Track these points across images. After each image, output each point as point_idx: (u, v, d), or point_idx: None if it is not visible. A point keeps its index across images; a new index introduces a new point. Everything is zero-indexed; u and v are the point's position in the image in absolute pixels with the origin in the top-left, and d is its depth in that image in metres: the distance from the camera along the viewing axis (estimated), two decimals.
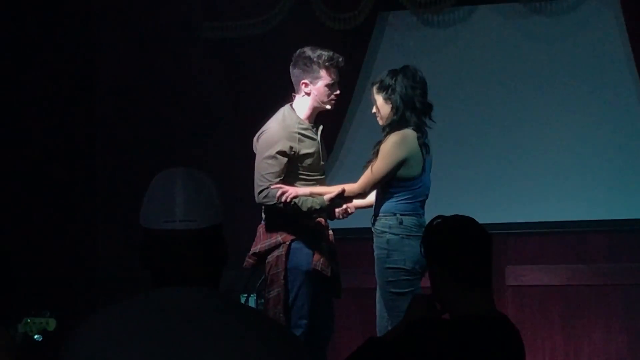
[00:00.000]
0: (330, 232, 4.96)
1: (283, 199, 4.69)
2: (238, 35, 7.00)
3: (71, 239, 6.63)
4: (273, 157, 4.75)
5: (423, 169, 4.82)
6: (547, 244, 6.78)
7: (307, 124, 4.88)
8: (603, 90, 6.70)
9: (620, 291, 6.63)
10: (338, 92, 4.94)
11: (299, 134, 4.83)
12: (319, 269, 4.78)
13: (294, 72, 4.91)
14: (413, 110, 4.80)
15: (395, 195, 4.78)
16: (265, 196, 4.74)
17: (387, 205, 4.78)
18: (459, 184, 6.74)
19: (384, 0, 6.90)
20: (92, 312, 2.01)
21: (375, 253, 4.80)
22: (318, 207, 4.75)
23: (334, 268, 4.88)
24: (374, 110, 4.93)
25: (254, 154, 4.93)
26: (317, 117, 4.97)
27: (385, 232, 4.75)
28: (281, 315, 4.71)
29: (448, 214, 2.94)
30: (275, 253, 4.79)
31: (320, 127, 4.95)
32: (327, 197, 4.75)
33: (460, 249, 2.83)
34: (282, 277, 4.75)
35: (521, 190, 6.75)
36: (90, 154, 6.96)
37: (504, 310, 3.06)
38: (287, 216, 4.76)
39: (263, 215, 4.89)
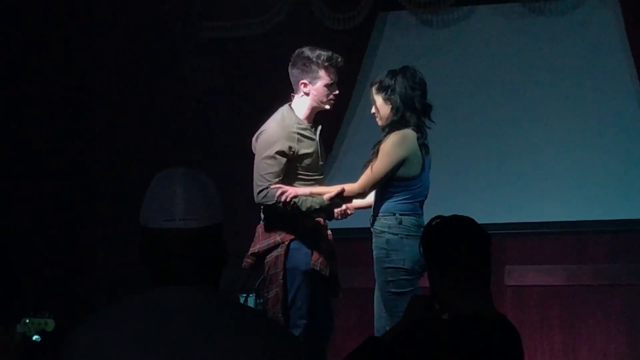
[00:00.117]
0: (329, 232, 4.96)
1: (282, 198, 4.68)
2: (237, 35, 7.00)
3: (70, 239, 6.63)
4: (272, 157, 4.75)
5: (422, 169, 4.82)
6: (546, 244, 6.78)
7: (306, 124, 4.88)
8: (603, 91, 6.71)
9: (619, 291, 6.63)
10: (337, 92, 4.94)
11: (298, 134, 4.82)
12: (318, 269, 4.78)
13: (293, 72, 4.90)
14: (413, 111, 4.79)
15: (395, 195, 4.77)
16: (265, 196, 4.74)
17: (387, 205, 4.77)
18: (458, 184, 6.74)
19: (383, 0, 6.90)
20: (91, 313, 2.01)
21: (374, 253, 4.80)
22: (317, 206, 4.74)
23: (333, 268, 4.88)
24: (373, 110, 4.92)
25: (253, 154, 4.92)
26: (316, 117, 4.96)
27: (385, 232, 4.74)
28: (280, 315, 4.71)
29: (447, 214, 2.93)
30: (274, 253, 4.78)
31: (319, 127, 4.95)
32: (326, 196, 4.75)
33: (459, 249, 2.83)
34: (280, 277, 4.75)
35: (520, 191, 6.75)
36: (89, 154, 6.96)
37: (503, 310, 3.06)
38: (286, 216, 4.76)
39: (262, 216, 4.89)
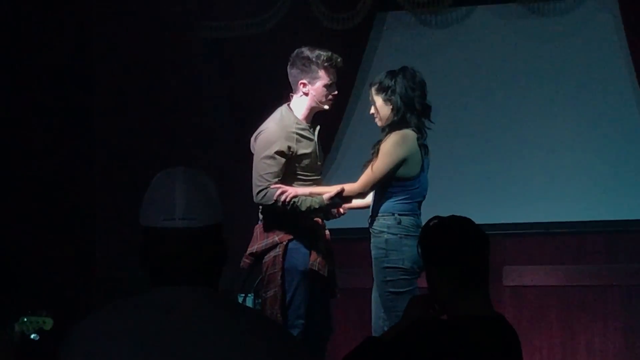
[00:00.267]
0: (327, 232, 4.96)
1: (282, 198, 4.68)
2: (235, 35, 7.00)
3: (69, 238, 6.62)
4: (271, 157, 4.75)
5: (421, 170, 4.83)
6: (544, 244, 6.78)
7: (304, 124, 4.88)
8: (601, 91, 6.71)
9: (617, 292, 6.63)
10: (336, 92, 4.94)
11: (297, 134, 4.82)
12: (316, 269, 4.78)
13: (292, 72, 4.90)
14: (413, 111, 4.80)
15: (394, 195, 4.78)
16: (264, 196, 4.74)
17: (386, 205, 4.78)
18: (457, 184, 6.74)
19: (382, 0, 6.90)
20: (89, 312, 2.01)
21: (372, 253, 4.80)
22: (317, 206, 4.74)
23: (330, 268, 4.88)
24: (371, 111, 4.92)
25: (252, 154, 4.92)
26: (315, 117, 4.97)
27: (384, 231, 4.75)
28: (278, 315, 4.71)
29: (445, 214, 2.94)
30: (272, 253, 4.78)
31: (318, 128, 4.95)
32: (326, 196, 4.75)
33: (457, 250, 2.83)
34: (279, 277, 4.75)
35: (519, 191, 6.76)
36: (88, 153, 6.96)
37: (501, 310, 3.06)
38: (285, 216, 4.76)
39: (260, 216, 4.88)
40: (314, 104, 4.89)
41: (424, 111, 4.85)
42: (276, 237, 4.79)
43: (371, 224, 4.82)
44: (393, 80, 4.82)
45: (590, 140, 6.69)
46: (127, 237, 6.29)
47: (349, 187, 4.78)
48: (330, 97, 4.90)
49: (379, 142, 4.82)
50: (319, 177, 4.98)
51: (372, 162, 4.77)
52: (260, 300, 5.10)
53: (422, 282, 3.87)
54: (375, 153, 4.78)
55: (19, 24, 6.42)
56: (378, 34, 7.08)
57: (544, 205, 6.69)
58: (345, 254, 6.14)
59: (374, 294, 4.84)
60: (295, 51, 4.92)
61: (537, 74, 6.82)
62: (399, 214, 4.75)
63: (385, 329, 4.51)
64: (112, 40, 7.00)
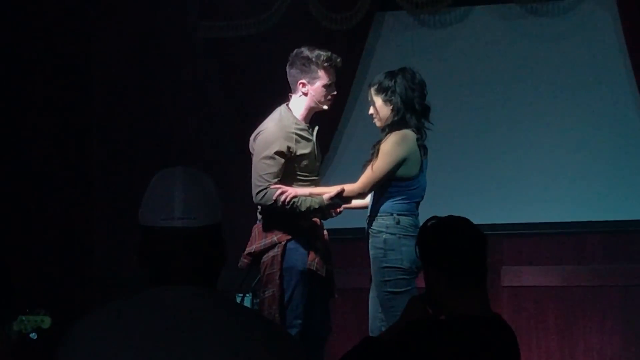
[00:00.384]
0: (325, 232, 4.96)
1: (282, 198, 4.68)
2: (234, 35, 7.00)
3: (67, 237, 6.62)
4: (271, 157, 4.75)
5: (420, 170, 4.84)
6: (542, 245, 6.78)
7: (303, 125, 4.88)
8: (599, 92, 6.71)
9: (615, 292, 6.63)
10: (335, 92, 4.94)
11: (296, 134, 4.82)
12: (314, 269, 4.78)
13: (292, 71, 4.90)
14: (413, 112, 4.81)
15: (393, 195, 4.78)
16: (264, 196, 4.73)
17: (384, 206, 4.78)
18: (455, 185, 6.74)
19: (381, 0, 6.90)
20: (88, 311, 2.01)
21: (370, 253, 4.80)
22: (317, 206, 4.75)
23: (329, 268, 4.88)
24: (370, 111, 4.92)
25: (250, 154, 4.92)
26: (313, 117, 4.97)
27: (382, 231, 4.75)
28: (276, 315, 4.71)
29: (443, 214, 2.94)
30: (271, 253, 4.78)
31: (316, 128, 4.95)
32: (326, 196, 4.75)
33: (455, 250, 2.83)
34: (277, 277, 4.75)
35: (517, 191, 6.75)
36: (86, 153, 6.95)
37: (499, 311, 3.06)
38: (284, 216, 4.75)
39: (258, 216, 4.88)
40: (313, 104, 4.89)
41: (424, 112, 4.86)
42: (275, 237, 4.79)
43: (369, 224, 4.82)
44: (393, 81, 4.82)
45: (588, 140, 6.69)
46: (125, 236, 6.31)
47: (349, 188, 4.78)
48: (329, 97, 4.91)
49: (379, 142, 4.83)
50: (317, 177, 4.98)
51: (372, 162, 4.77)
52: (258, 300, 5.10)
53: (420, 282, 3.88)
54: (375, 153, 4.78)
55: (17, 23, 6.42)
56: (377, 34, 7.08)
57: (542, 205, 6.69)
58: (344, 254, 6.14)
59: (371, 294, 4.85)
60: (295, 51, 4.92)
61: (536, 74, 6.81)
62: (398, 214, 4.76)
63: (383, 329, 4.51)
64: (111, 40, 6.99)
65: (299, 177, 4.84)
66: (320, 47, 4.93)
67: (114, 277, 6.47)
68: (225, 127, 7.02)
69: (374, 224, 4.79)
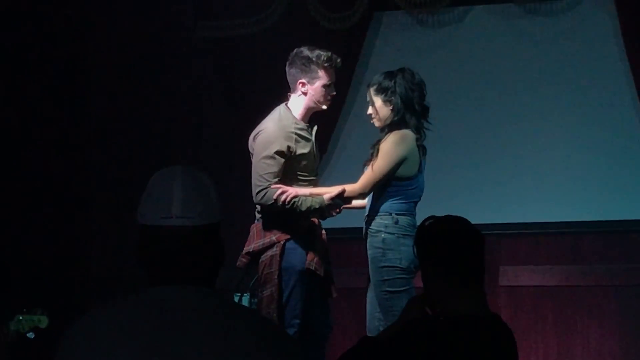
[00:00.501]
0: (323, 231, 4.96)
1: (283, 198, 4.68)
2: (232, 35, 7.00)
3: (64, 236, 6.62)
4: (271, 157, 4.74)
5: (419, 170, 4.84)
6: (540, 244, 6.79)
7: (302, 124, 4.88)
8: (597, 92, 6.72)
9: (613, 292, 6.64)
10: (334, 92, 4.95)
11: (296, 134, 4.82)
12: (313, 268, 4.78)
13: (291, 71, 4.89)
14: (413, 112, 4.81)
15: (391, 195, 4.78)
16: (264, 196, 4.73)
17: (383, 205, 4.78)
18: (453, 184, 6.74)
19: (379, 0, 6.90)
20: (85, 310, 2.01)
21: (369, 253, 4.80)
22: (317, 206, 4.75)
23: (327, 268, 4.88)
24: (369, 111, 4.92)
25: (249, 153, 4.92)
26: (311, 117, 4.96)
27: (381, 231, 4.75)
28: (274, 314, 4.71)
29: (441, 214, 2.94)
30: (269, 252, 4.78)
31: (315, 127, 4.95)
32: (327, 196, 4.75)
33: (453, 249, 2.83)
34: (275, 277, 4.75)
35: (515, 191, 6.76)
36: (84, 153, 6.95)
37: (497, 310, 3.06)
38: (283, 216, 4.75)
39: (257, 215, 4.88)
40: (312, 104, 4.89)
41: (423, 112, 4.86)
42: (273, 236, 4.79)
43: (368, 223, 4.82)
44: (393, 81, 4.82)
45: (586, 140, 6.70)
46: (123, 236, 6.31)
47: (350, 188, 4.78)
48: (328, 97, 4.91)
49: (378, 142, 4.82)
50: (316, 177, 4.98)
51: (372, 162, 4.77)
52: (256, 300, 5.10)
53: (417, 281, 3.88)
54: (375, 153, 4.78)
55: (16, 25, 6.41)
56: (375, 34, 7.08)
57: (540, 205, 6.69)
58: (342, 253, 6.14)
59: (369, 294, 4.85)
60: (295, 50, 4.92)
61: (534, 74, 6.82)
62: (397, 214, 4.76)
63: (381, 328, 4.52)
64: (109, 40, 6.99)
65: (298, 177, 4.84)
66: (319, 47, 4.93)
67: (111, 277, 6.47)
68: (223, 127, 7.02)
69: (372, 223, 4.79)
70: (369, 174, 4.76)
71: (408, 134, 4.80)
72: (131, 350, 1.88)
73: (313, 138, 4.91)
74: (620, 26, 6.60)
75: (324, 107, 4.93)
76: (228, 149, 6.79)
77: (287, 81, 4.93)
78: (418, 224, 3.10)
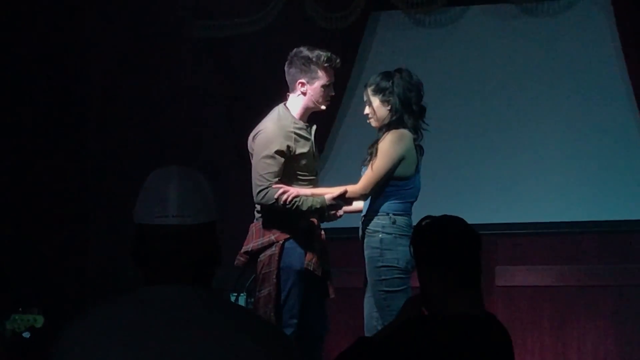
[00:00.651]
0: (322, 231, 4.96)
1: (284, 197, 4.67)
2: (229, 34, 6.99)
3: (61, 236, 6.61)
4: (271, 156, 4.74)
5: (416, 170, 4.84)
6: (537, 244, 6.79)
7: (302, 124, 4.87)
8: (594, 92, 6.72)
9: (610, 292, 6.64)
10: (333, 93, 4.95)
11: (295, 133, 4.82)
12: (312, 268, 4.77)
13: (290, 71, 4.88)
14: (410, 113, 4.81)
15: (389, 195, 4.78)
16: (265, 196, 4.72)
17: (380, 205, 4.77)
18: (449, 184, 6.74)
19: (376, 0, 6.90)
20: (81, 310, 2.00)
21: (366, 253, 4.79)
22: (318, 206, 4.74)
23: (325, 268, 4.88)
24: (366, 111, 4.91)
25: (247, 153, 4.92)
26: (309, 117, 4.96)
27: (378, 231, 4.75)
28: (271, 314, 4.70)
29: (438, 214, 2.94)
30: (268, 252, 4.77)
31: (314, 127, 4.94)
32: (328, 196, 4.74)
33: (449, 250, 2.83)
34: (274, 276, 4.74)
35: (511, 191, 6.76)
36: (81, 152, 6.94)
37: (493, 310, 3.06)
38: (283, 215, 4.74)
39: (256, 215, 4.87)
40: (311, 104, 4.89)
41: (420, 112, 4.86)
42: (272, 236, 4.78)
43: (365, 223, 4.82)
44: (390, 81, 4.82)
45: (583, 140, 6.70)
46: (119, 235, 6.29)
47: (352, 189, 4.77)
48: (327, 97, 4.90)
49: (376, 142, 4.82)
50: (315, 176, 4.97)
51: (371, 163, 4.76)
52: (252, 300, 5.09)
53: (414, 281, 3.87)
54: (374, 152, 4.78)
55: (14, 24, 6.40)
56: (372, 34, 7.08)
57: (537, 205, 6.70)
58: (340, 253, 6.13)
59: (367, 294, 4.84)
60: (294, 50, 4.91)
61: (531, 73, 6.82)
62: (394, 214, 4.76)
63: (379, 328, 4.51)
64: (106, 40, 6.98)
65: (298, 177, 4.83)
66: (317, 47, 4.92)
67: (107, 276, 6.46)
68: (221, 126, 7.02)
69: (370, 224, 4.79)
70: (369, 174, 4.75)
71: (406, 133, 4.80)
72: (127, 349, 1.87)
73: (312, 137, 4.91)
74: (617, 25, 6.61)
75: (323, 107, 4.92)
76: (226, 148, 6.79)
77: (285, 81, 4.92)
78: (414, 224, 3.10)
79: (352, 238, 4.99)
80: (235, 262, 4.87)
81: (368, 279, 4.80)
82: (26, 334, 4.79)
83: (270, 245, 4.77)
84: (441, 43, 7.00)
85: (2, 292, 5.74)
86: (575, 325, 6.68)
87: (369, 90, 4.88)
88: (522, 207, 6.73)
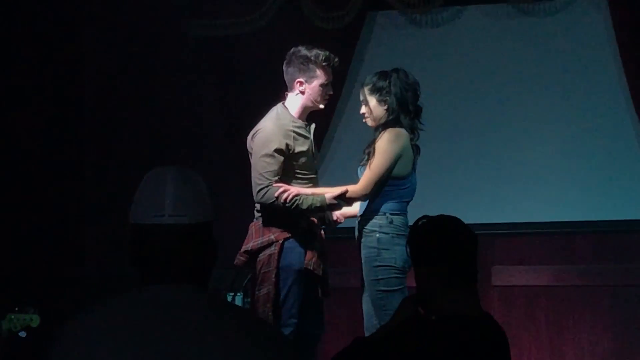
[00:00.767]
0: (322, 231, 4.96)
1: (284, 196, 4.67)
2: (226, 34, 6.99)
3: (57, 235, 6.60)
4: (271, 155, 4.74)
5: (413, 169, 4.84)
6: (533, 244, 6.80)
7: (300, 123, 4.88)
8: (590, 92, 6.73)
9: (606, 292, 6.65)
10: (331, 92, 4.95)
11: (294, 132, 4.82)
12: (311, 268, 4.77)
13: (289, 70, 4.89)
14: (407, 113, 4.81)
15: (385, 194, 4.78)
16: (265, 195, 4.72)
17: (377, 205, 4.78)
18: (446, 184, 6.75)
19: (372, 0, 6.90)
20: (78, 310, 2.00)
21: (363, 252, 4.79)
22: (319, 204, 4.74)
23: (324, 268, 4.88)
24: (362, 110, 4.92)
25: (244, 152, 4.91)
26: (308, 116, 4.96)
27: (375, 231, 4.75)
28: (270, 313, 4.70)
29: (434, 214, 2.94)
30: (268, 251, 4.77)
31: (313, 125, 4.95)
32: (329, 195, 4.75)
33: (446, 249, 2.83)
34: (273, 276, 4.74)
35: (508, 191, 6.76)
36: (78, 151, 6.94)
37: (490, 310, 3.06)
38: (283, 215, 4.74)
39: (256, 214, 4.87)
40: (309, 103, 4.89)
41: (416, 112, 4.86)
42: (272, 235, 4.78)
43: (361, 223, 4.82)
44: (387, 81, 4.83)
45: (579, 140, 6.71)
46: (116, 235, 6.29)
47: (352, 189, 4.77)
48: (326, 96, 4.91)
49: (373, 141, 4.82)
50: (315, 175, 4.97)
51: (369, 162, 4.77)
52: (249, 299, 5.09)
53: (410, 281, 3.87)
54: (372, 152, 4.78)
55: (10, 23, 6.39)
56: (369, 34, 7.08)
57: (533, 205, 6.70)
58: (338, 253, 6.13)
59: (365, 294, 4.84)
60: (292, 50, 4.91)
61: (528, 73, 6.82)
62: (391, 214, 4.76)
63: (379, 326, 4.51)
64: (102, 39, 6.97)
65: (297, 175, 4.83)
66: (316, 46, 4.92)
67: (104, 276, 6.45)
68: (218, 126, 7.01)
69: (367, 223, 4.79)
70: (369, 174, 4.75)
71: (402, 132, 4.80)
72: (123, 349, 1.87)
73: (311, 136, 4.91)
74: (613, 25, 6.61)
75: (321, 106, 4.93)
76: (224, 147, 6.79)
77: (283, 80, 4.92)
78: (411, 223, 3.10)
79: (350, 238, 4.99)
80: (235, 262, 4.87)
81: (365, 278, 4.80)
82: (22, 334, 4.78)
83: (270, 244, 4.77)
84: (438, 43, 7.00)
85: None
86: (571, 324, 6.69)
87: (366, 90, 4.88)
88: (519, 207, 6.74)
